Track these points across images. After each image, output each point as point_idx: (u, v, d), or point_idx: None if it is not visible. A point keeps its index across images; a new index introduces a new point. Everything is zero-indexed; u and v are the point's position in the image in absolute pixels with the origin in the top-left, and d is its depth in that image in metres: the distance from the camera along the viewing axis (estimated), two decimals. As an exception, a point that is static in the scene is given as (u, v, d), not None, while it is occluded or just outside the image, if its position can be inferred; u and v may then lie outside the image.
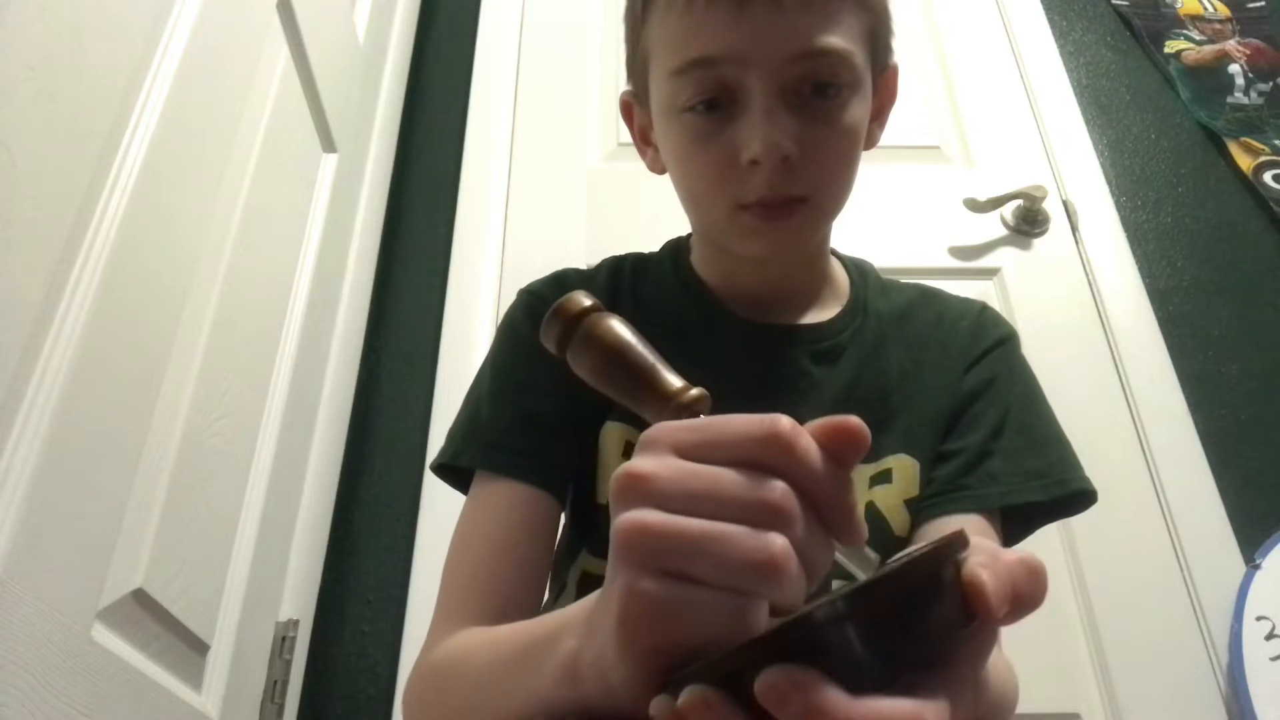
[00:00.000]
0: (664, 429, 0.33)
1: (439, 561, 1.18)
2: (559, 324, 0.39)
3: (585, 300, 0.39)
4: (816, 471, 0.31)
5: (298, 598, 1.09)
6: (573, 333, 0.38)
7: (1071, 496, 0.64)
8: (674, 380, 0.37)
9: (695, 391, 0.37)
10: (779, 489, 0.30)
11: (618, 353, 0.37)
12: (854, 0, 0.60)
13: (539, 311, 0.70)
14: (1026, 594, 0.28)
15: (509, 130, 1.58)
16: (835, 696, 0.25)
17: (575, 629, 0.40)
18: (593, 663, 0.37)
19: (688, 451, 0.32)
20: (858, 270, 0.76)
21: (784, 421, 0.31)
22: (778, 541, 0.29)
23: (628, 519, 0.30)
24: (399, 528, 1.23)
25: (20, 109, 0.61)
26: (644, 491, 0.31)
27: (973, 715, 0.28)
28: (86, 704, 0.65)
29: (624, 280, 0.73)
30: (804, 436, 0.31)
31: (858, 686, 0.26)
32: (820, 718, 0.25)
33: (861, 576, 0.32)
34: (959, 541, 0.28)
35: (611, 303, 0.70)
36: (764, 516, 0.29)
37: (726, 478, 0.30)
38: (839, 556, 0.32)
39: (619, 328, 0.38)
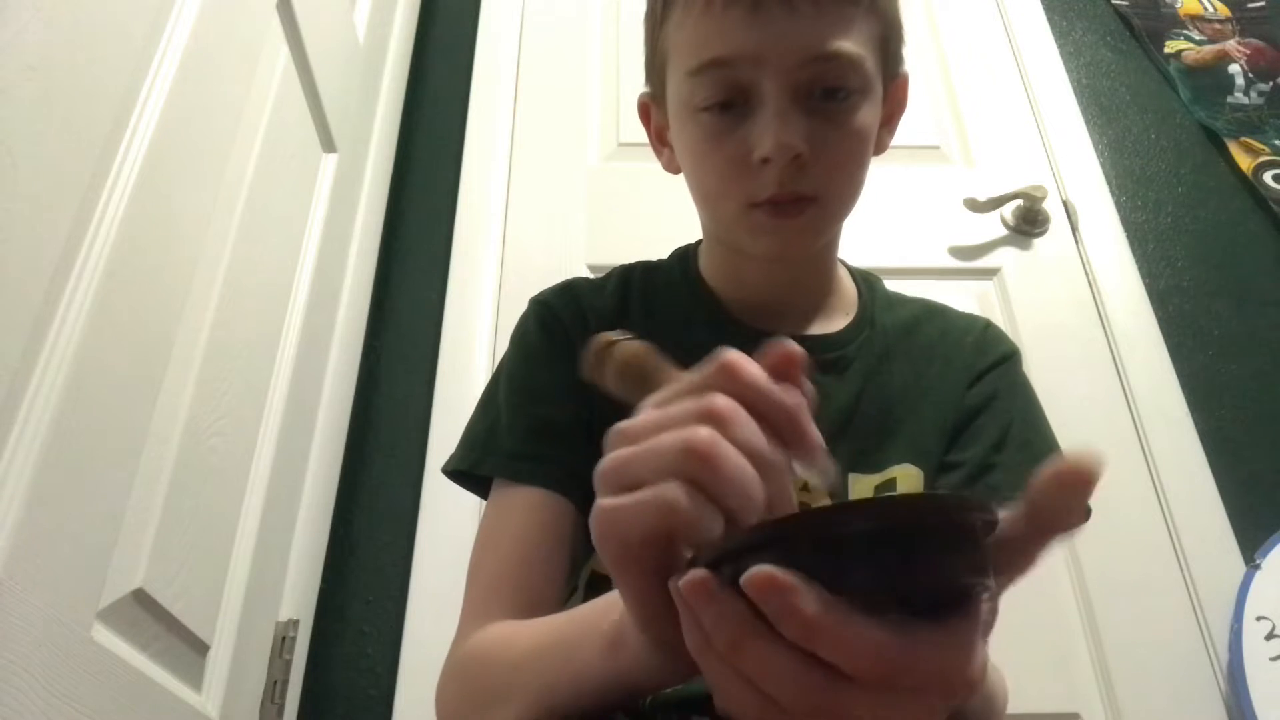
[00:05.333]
0: (652, 397, 0.37)
1: (439, 562, 1.18)
2: (592, 353, 0.44)
3: (615, 335, 0.44)
4: (760, 387, 0.34)
5: (298, 598, 1.09)
6: (603, 360, 0.44)
7: None
8: (679, 374, 0.40)
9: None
10: (718, 400, 0.33)
11: (633, 363, 0.42)
12: (866, 7, 0.62)
13: (550, 321, 0.72)
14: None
15: (509, 130, 1.58)
16: (811, 605, 0.27)
17: (616, 604, 0.42)
18: (630, 625, 0.40)
19: (662, 402, 0.36)
20: (865, 283, 0.77)
21: (730, 353, 0.34)
22: (701, 430, 0.32)
23: (606, 457, 0.35)
24: (399, 528, 1.23)
25: (20, 109, 0.61)
26: (619, 439, 0.35)
27: (974, 682, 0.29)
28: (86, 704, 0.65)
29: (633, 289, 0.74)
30: (749, 363, 0.34)
31: (841, 596, 0.27)
32: (792, 618, 0.27)
33: (820, 485, 0.34)
34: (987, 504, 0.30)
35: (621, 311, 0.72)
36: (699, 420, 0.33)
37: (678, 405, 0.34)
38: (798, 468, 0.35)
39: (638, 346, 0.43)
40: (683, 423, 0.33)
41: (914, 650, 0.27)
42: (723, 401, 0.33)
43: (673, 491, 0.31)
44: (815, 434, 0.35)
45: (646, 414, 0.35)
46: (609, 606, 0.44)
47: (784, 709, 0.29)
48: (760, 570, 0.27)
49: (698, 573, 0.29)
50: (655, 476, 0.32)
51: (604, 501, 0.34)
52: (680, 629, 0.34)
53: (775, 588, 0.27)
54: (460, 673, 0.59)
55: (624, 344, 0.43)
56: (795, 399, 0.34)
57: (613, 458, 0.34)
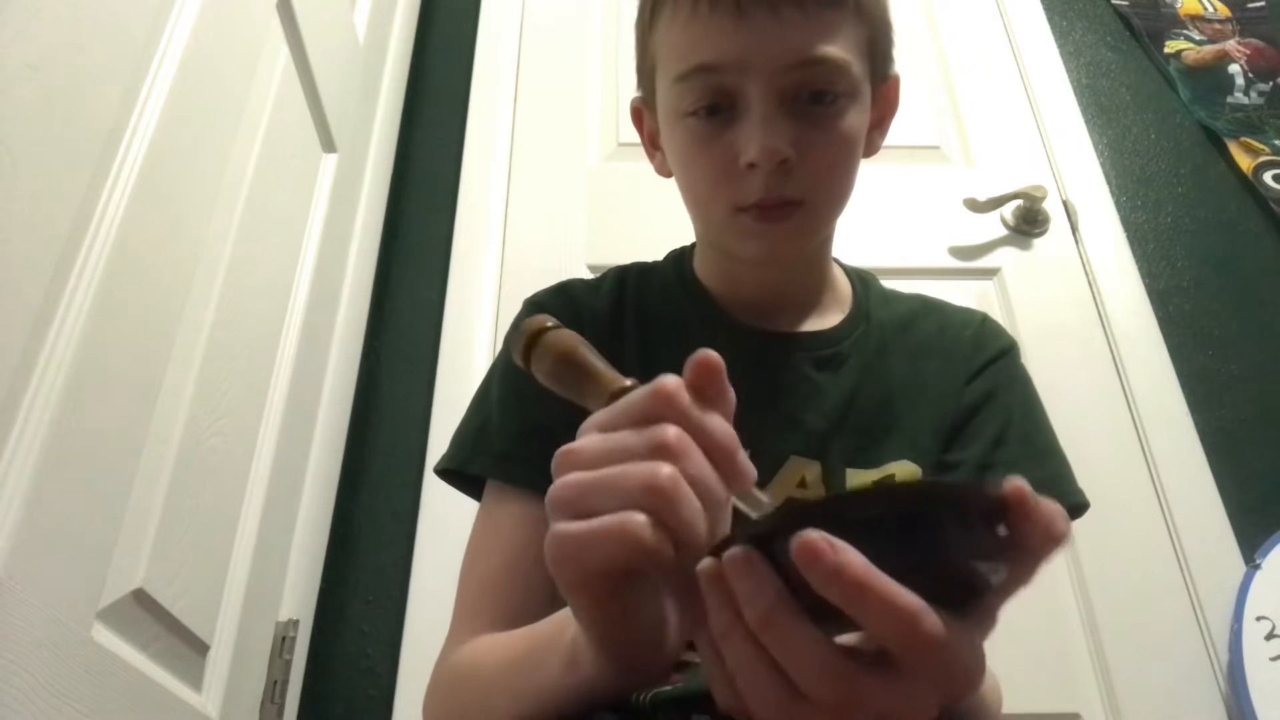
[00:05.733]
0: (593, 416, 0.38)
1: (439, 562, 1.19)
2: (522, 340, 0.45)
3: (547, 321, 0.45)
4: (697, 418, 0.36)
5: (298, 598, 1.09)
6: (534, 347, 0.44)
7: (1069, 509, 0.65)
8: (612, 375, 0.42)
9: (629, 382, 0.41)
10: (668, 430, 0.35)
11: (566, 359, 0.43)
12: (852, 11, 0.62)
13: None
14: (1058, 531, 0.31)
15: (509, 130, 1.58)
16: (860, 562, 0.28)
17: (574, 621, 0.43)
18: (584, 643, 0.41)
19: (607, 425, 0.37)
20: (860, 280, 0.77)
21: (667, 380, 0.36)
22: (664, 468, 0.34)
23: (556, 482, 0.36)
24: (399, 528, 1.23)
25: (20, 109, 0.61)
26: (569, 463, 0.36)
27: (976, 681, 0.30)
28: (86, 704, 0.65)
29: (628, 289, 0.74)
30: (684, 391, 0.36)
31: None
32: (842, 576, 0.28)
33: (754, 514, 0.36)
34: (994, 491, 0.31)
35: (616, 311, 0.72)
36: (655, 454, 0.34)
37: (630, 434, 0.36)
38: (735, 501, 0.36)
39: (569, 338, 0.44)
40: (638, 455, 0.34)
41: (945, 627, 0.29)
42: (673, 434, 0.34)
43: (638, 523, 0.33)
44: (748, 466, 0.36)
45: (594, 439, 0.36)
46: (566, 622, 0.46)
47: (805, 694, 0.30)
48: (810, 533, 0.28)
49: (740, 549, 0.31)
50: (615, 508, 0.33)
51: (563, 527, 0.35)
52: (629, 639, 0.36)
53: (827, 546, 0.28)
54: (441, 689, 0.60)
55: (555, 334, 0.44)
56: (728, 431, 0.36)
57: (567, 484, 0.35)
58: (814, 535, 0.28)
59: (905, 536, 0.29)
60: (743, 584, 0.30)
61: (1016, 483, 0.31)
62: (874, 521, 0.29)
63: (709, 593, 0.32)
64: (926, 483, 0.29)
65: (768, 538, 0.30)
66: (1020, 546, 0.31)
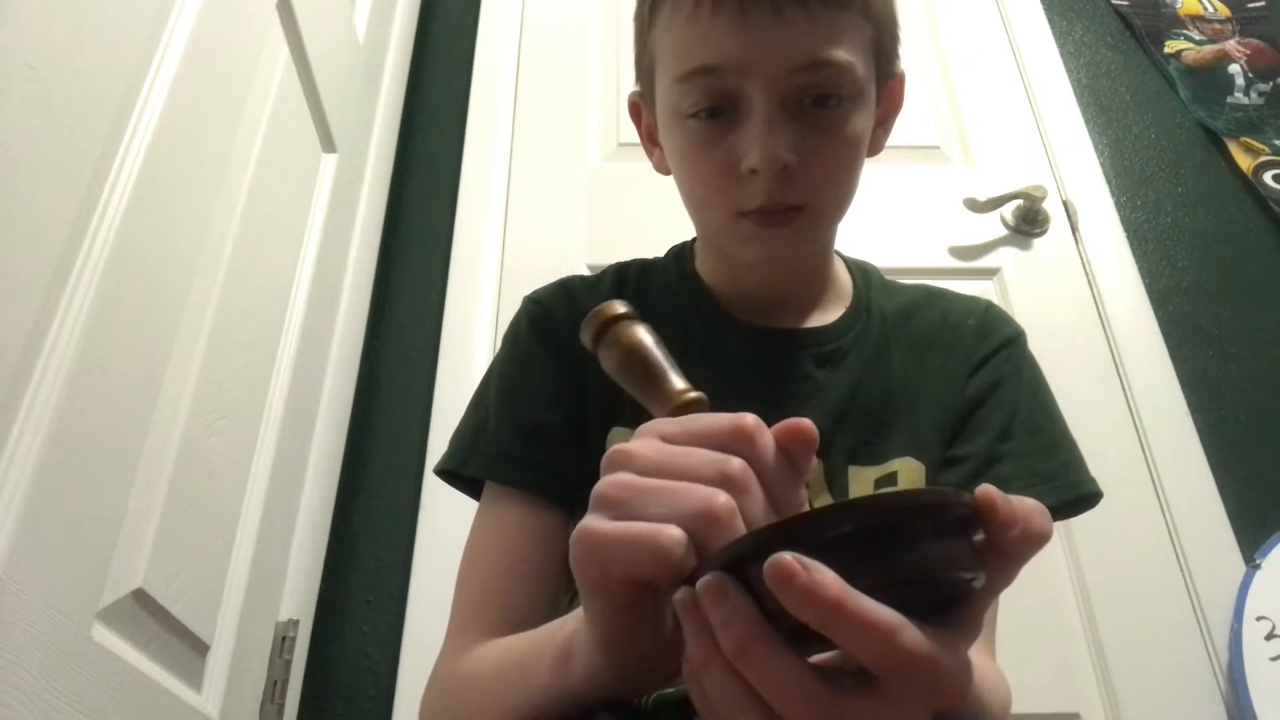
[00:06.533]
0: (654, 422, 0.38)
1: (439, 562, 1.19)
2: (594, 324, 0.44)
3: (620, 307, 0.44)
4: (772, 464, 0.35)
5: (298, 598, 1.09)
6: (604, 333, 0.43)
7: (1080, 498, 0.64)
8: (680, 383, 0.41)
9: (695, 395, 0.40)
10: (737, 463, 0.34)
11: (637, 355, 0.42)
12: (858, 11, 0.60)
13: (542, 320, 0.71)
14: (1037, 529, 0.31)
15: (509, 130, 1.58)
16: (834, 581, 0.27)
17: (571, 619, 0.44)
18: (582, 638, 0.41)
19: (670, 439, 0.36)
20: (861, 272, 0.76)
21: (749, 418, 0.35)
22: (722, 496, 0.33)
23: (607, 478, 0.35)
24: (399, 528, 1.23)
25: (20, 109, 0.61)
26: (623, 463, 0.36)
27: (965, 691, 0.30)
28: (86, 704, 0.65)
29: (628, 286, 0.73)
30: (766, 433, 0.35)
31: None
32: (816, 597, 0.27)
33: None
34: (966, 499, 0.30)
35: None
36: (720, 481, 0.34)
37: (695, 453, 0.35)
38: None
39: (642, 333, 0.43)
40: (700, 479, 0.34)
41: (926, 640, 0.28)
42: (739, 467, 0.34)
43: (672, 538, 0.32)
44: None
45: (655, 446, 0.36)
46: (562, 624, 0.46)
47: None
48: (781, 556, 0.27)
49: (712, 576, 0.30)
50: (661, 519, 0.33)
51: (595, 524, 0.34)
52: (636, 650, 0.36)
53: (801, 568, 0.27)
54: (438, 695, 0.59)
55: (629, 325, 0.43)
56: (796, 486, 0.35)
57: (618, 483, 0.34)
58: (786, 556, 0.27)
59: (880, 551, 0.28)
60: (717, 612, 0.29)
61: (986, 489, 0.30)
62: (847, 538, 0.28)
63: (685, 622, 0.31)
64: (898, 494, 0.29)
65: (742, 562, 0.29)
66: (998, 550, 0.31)
